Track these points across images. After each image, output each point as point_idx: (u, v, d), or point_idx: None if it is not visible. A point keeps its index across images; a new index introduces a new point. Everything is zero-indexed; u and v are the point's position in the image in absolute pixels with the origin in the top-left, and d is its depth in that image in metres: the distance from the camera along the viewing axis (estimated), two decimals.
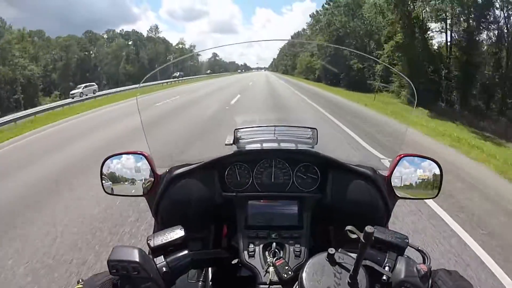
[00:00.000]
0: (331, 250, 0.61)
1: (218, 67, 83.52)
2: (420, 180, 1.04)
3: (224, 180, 1.04)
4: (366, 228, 0.53)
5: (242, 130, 1.10)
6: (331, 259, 0.61)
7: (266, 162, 1.05)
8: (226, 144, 1.11)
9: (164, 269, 0.71)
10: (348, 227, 0.57)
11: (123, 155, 1.05)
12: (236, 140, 1.09)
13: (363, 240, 0.54)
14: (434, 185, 1.03)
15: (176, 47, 59.18)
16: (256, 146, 1.08)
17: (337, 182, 1.01)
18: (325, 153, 1.04)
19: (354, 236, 0.56)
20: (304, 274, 0.60)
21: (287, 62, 61.49)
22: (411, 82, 1.35)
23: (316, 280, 0.59)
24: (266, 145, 1.08)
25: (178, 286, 0.91)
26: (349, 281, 0.58)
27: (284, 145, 1.09)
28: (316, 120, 8.54)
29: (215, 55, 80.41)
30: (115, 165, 1.06)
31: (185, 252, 0.74)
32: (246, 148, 1.07)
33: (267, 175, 1.05)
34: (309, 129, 1.11)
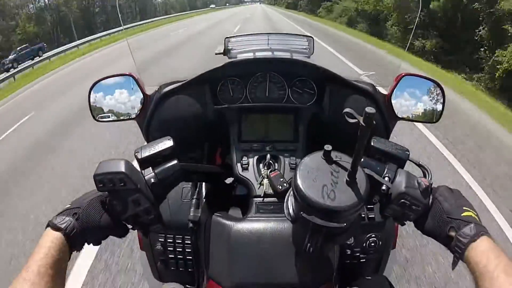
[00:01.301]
0: (328, 147, 0.58)
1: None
2: (421, 102, 1.00)
3: (216, 96, 1.00)
4: (366, 109, 0.48)
5: (233, 39, 1.04)
6: (327, 157, 0.58)
7: (260, 76, 1.00)
8: (216, 53, 1.05)
9: (152, 180, 0.68)
10: (347, 110, 0.52)
11: (111, 78, 1.00)
12: (227, 51, 1.03)
13: (362, 123, 0.49)
14: (436, 108, 0.99)
15: None
16: (249, 55, 1.02)
17: (335, 97, 0.97)
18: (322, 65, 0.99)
19: (353, 120, 0.51)
20: (297, 172, 0.57)
21: None
22: None
23: (311, 178, 0.56)
24: (259, 54, 1.03)
25: (170, 205, 0.91)
26: (348, 179, 0.56)
27: (278, 54, 1.04)
28: None
29: None
30: (103, 90, 1.01)
31: (174, 162, 0.71)
32: (238, 58, 1.02)
33: (261, 89, 1.00)
34: (305, 38, 1.05)
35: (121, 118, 1.01)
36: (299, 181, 0.56)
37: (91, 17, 38.92)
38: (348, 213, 0.55)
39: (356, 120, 0.51)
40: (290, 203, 0.63)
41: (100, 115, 1.02)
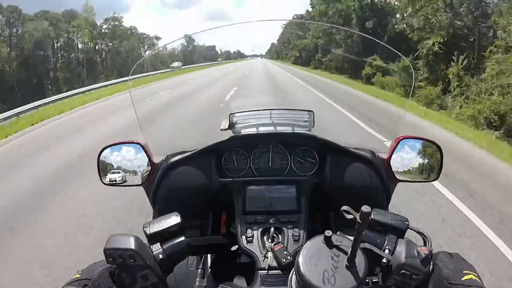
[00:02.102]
0: (328, 233, 0.59)
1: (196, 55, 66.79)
2: (420, 163, 1.03)
3: (221, 166, 1.03)
4: (362, 208, 0.51)
5: (237, 114, 1.08)
6: (328, 241, 0.60)
7: (263, 147, 1.04)
8: (221, 129, 1.09)
9: (160, 256, 0.70)
10: (344, 207, 0.55)
11: (120, 146, 1.04)
12: (231, 125, 1.07)
13: (359, 221, 0.52)
14: (434, 168, 1.02)
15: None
16: (252, 130, 1.07)
17: (335, 166, 1.00)
18: (322, 136, 1.03)
19: (350, 216, 0.54)
20: (300, 258, 0.59)
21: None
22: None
23: (313, 263, 0.57)
24: (262, 129, 1.07)
25: (177, 274, 0.91)
26: (347, 264, 0.57)
27: (280, 129, 1.08)
28: None
29: (191, 40, 63.89)
30: (111, 156, 1.06)
31: (182, 238, 0.74)
32: (242, 133, 1.06)
33: (264, 160, 1.04)
34: (306, 112, 1.09)
35: (128, 183, 1.04)
36: (301, 268, 0.57)
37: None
38: None
39: (353, 216, 0.53)
40: (293, 283, 0.64)
41: (107, 180, 1.06)
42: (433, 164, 1.02)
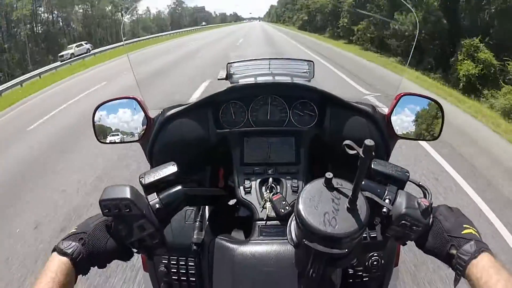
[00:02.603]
0: (329, 175, 0.58)
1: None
2: (421, 121, 1.01)
3: (218, 119, 1.01)
4: (365, 141, 0.49)
5: (235, 64, 1.05)
6: (328, 184, 0.59)
7: (262, 99, 1.02)
8: (218, 79, 1.07)
9: (157, 205, 0.69)
10: (346, 142, 0.53)
11: (115, 101, 1.02)
12: (229, 75, 1.05)
13: (362, 155, 0.51)
14: (435, 126, 1.01)
15: None
16: (250, 80, 1.04)
17: (335, 119, 0.99)
18: (323, 88, 1.01)
19: (352, 152, 0.52)
20: (300, 200, 0.58)
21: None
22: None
23: (313, 206, 0.56)
24: (261, 79, 1.04)
25: (174, 227, 0.91)
26: (348, 206, 0.56)
27: (279, 79, 1.05)
28: None
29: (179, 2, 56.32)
30: (107, 112, 1.03)
31: (179, 187, 0.72)
32: (240, 83, 1.03)
33: (262, 112, 1.02)
34: (305, 62, 1.07)
35: (124, 140, 1.02)
36: (301, 209, 0.56)
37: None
38: (349, 240, 0.55)
39: (356, 151, 0.52)
40: (292, 228, 0.64)
41: (103, 137, 1.04)
42: (433, 123, 1.01)
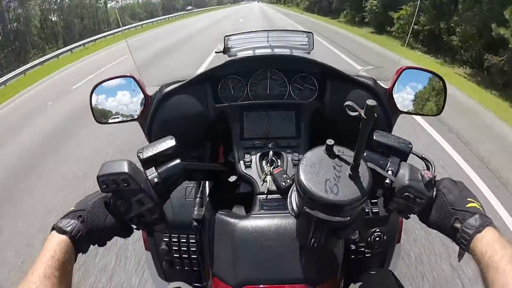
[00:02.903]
0: (330, 141, 0.57)
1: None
2: (423, 95, 1.00)
3: (217, 94, 1.00)
4: (367, 101, 0.48)
5: (233, 37, 1.03)
6: (329, 151, 0.58)
7: (261, 73, 1.00)
8: (216, 52, 1.05)
9: (155, 180, 0.68)
10: (348, 102, 0.51)
11: (113, 80, 1.00)
12: (226, 49, 1.03)
13: (364, 116, 0.49)
14: (438, 101, 0.99)
15: None
16: (248, 53, 1.02)
17: (336, 92, 0.97)
18: (323, 61, 0.99)
19: (354, 113, 0.51)
20: (300, 167, 0.57)
21: None
22: None
23: (314, 172, 0.55)
24: (259, 52, 1.03)
25: (174, 204, 0.91)
26: (350, 173, 0.55)
27: (278, 51, 1.03)
28: None
29: None
30: (105, 92, 1.02)
31: (177, 161, 0.71)
32: (238, 56, 1.02)
33: (262, 86, 1.00)
34: (305, 34, 1.05)
35: (123, 119, 1.01)
36: (301, 176, 0.56)
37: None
38: (351, 207, 0.54)
39: (357, 113, 0.50)
40: (293, 198, 0.63)
41: (102, 117, 1.03)
42: (436, 97, 0.99)
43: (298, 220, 0.65)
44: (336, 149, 0.58)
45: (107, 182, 0.63)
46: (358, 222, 0.61)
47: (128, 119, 1.00)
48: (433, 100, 1.00)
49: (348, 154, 0.58)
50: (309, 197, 0.54)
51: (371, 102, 0.48)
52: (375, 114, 0.49)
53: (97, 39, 19.29)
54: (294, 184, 0.60)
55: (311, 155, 0.59)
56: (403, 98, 0.98)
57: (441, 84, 0.98)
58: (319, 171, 0.56)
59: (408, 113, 0.99)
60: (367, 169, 0.57)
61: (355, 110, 0.50)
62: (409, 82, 0.98)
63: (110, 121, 1.03)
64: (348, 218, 0.56)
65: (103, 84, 1.01)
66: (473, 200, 0.61)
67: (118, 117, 1.02)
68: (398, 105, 0.96)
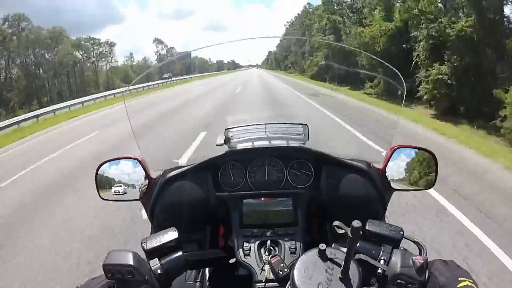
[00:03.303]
0: (322, 246, 0.61)
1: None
2: (415, 171, 1.04)
3: (217, 181, 1.04)
4: (353, 223, 0.53)
5: (232, 129, 1.10)
6: (322, 254, 0.61)
7: (259, 160, 1.05)
8: (217, 145, 1.11)
9: (159, 271, 0.71)
10: (335, 223, 0.56)
11: (117, 161, 1.05)
12: (227, 140, 1.09)
13: (350, 235, 0.54)
14: (429, 175, 1.03)
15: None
16: (247, 145, 1.08)
17: (331, 177, 1.01)
18: (317, 149, 1.04)
19: (341, 231, 0.56)
20: (295, 271, 0.60)
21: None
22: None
23: (307, 276, 0.58)
24: (257, 143, 1.08)
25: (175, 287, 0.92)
26: (341, 276, 0.58)
27: (275, 143, 1.09)
28: None
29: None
30: (110, 170, 1.07)
31: (179, 253, 0.75)
32: (237, 148, 1.07)
33: (260, 173, 1.05)
34: (300, 125, 1.11)
35: (126, 198, 1.05)
36: (296, 281, 0.58)
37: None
38: None
39: (344, 231, 0.55)
40: None
41: (106, 195, 1.06)
42: (428, 172, 1.03)
43: None
44: (328, 251, 0.61)
45: (113, 272, 0.66)
46: None
47: (131, 198, 1.04)
48: (425, 174, 1.04)
49: (339, 256, 0.61)
50: None
51: (356, 223, 0.53)
52: (361, 233, 0.53)
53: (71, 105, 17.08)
54: (289, 283, 0.62)
55: (305, 259, 0.62)
56: (396, 175, 1.02)
57: (432, 159, 1.02)
58: (312, 275, 0.59)
59: (401, 190, 1.03)
60: (357, 270, 0.60)
61: (343, 229, 0.55)
62: (402, 160, 1.03)
63: (113, 198, 1.06)
64: None
65: (107, 163, 1.06)
66: (464, 279, 0.63)
67: (122, 196, 1.06)
68: (391, 184, 1.01)
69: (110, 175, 1.07)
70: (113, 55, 41.06)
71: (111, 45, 40.61)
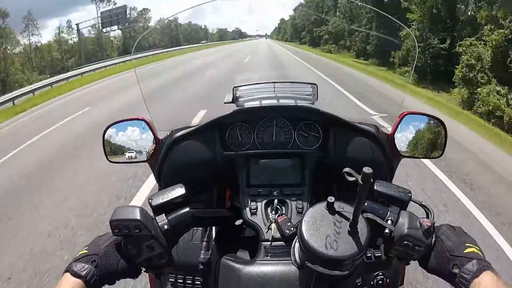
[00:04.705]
0: (331, 199, 0.60)
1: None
2: (424, 139, 1.03)
3: (225, 141, 1.04)
4: (364, 169, 0.52)
5: (241, 88, 1.09)
6: (330, 208, 0.61)
7: (267, 121, 1.04)
8: (225, 103, 1.10)
9: (165, 227, 0.71)
10: (346, 169, 0.55)
11: (125, 122, 1.05)
12: (235, 99, 1.08)
13: (361, 182, 0.53)
14: (438, 144, 1.02)
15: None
16: (255, 103, 1.07)
17: (339, 140, 1.01)
18: (326, 110, 1.03)
19: (351, 178, 0.55)
20: (303, 224, 0.60)
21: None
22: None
23: (315, 229, 0.59)
24: (265, 102, 1.07)
25: (181, 247, 0.93)
26: (349, 230, 0.58)
27: (283, 102, 1.08)
28: None
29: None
30: (117, 133, 1.07)
31: (186, 209, 0.75)
32: (245, 106, 1.06)
33: (268, 134, 1.04)
34: (309, 85, 1.10)
35: (134, 160, 1.05)
36: (304, 232, 0.58)
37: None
38: (349, 262, 0.57)
39: (355, 178, 0.54)
40: (296, 250, 0.65)
41: (113, 157, 1.07)
42: (437, 140, 1.02)
43: (301, 271, 0.67)
44: (337, 205, 0.61)
45: (120, 227, 0.66)
46: (358, 273, 0.64)
47: (139, 160, 1.04)
48: (434, 143, 1.03)
49: (347, 210, 0.61)
50: (311, 252, 0.57)
51: (367, 169, 0.52)
52: (371, 180, 0.53)
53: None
54: (297, 236, 0.62)
55: (313, 211, 0.62)
56: (405, 142, 1.01)
57: (441, 127, 1.01)
58: (320, 227, 0.59)
59: (409, 157, 1.02)
60: (365, 224, 0.60)
61: (353, 176, 0.55)
62: (411, 127, 1.01)
63: (121, 160, 1.07)
64: (347, 272, 0.59)
65: (114, 125, 1.06)
66: (471, 245, 0.63)
67: (129, 157, 1.06)
68: (400, 150, 0.99)
69: (117, 137, 1.06)
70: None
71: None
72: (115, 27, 35.71)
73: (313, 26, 35.48)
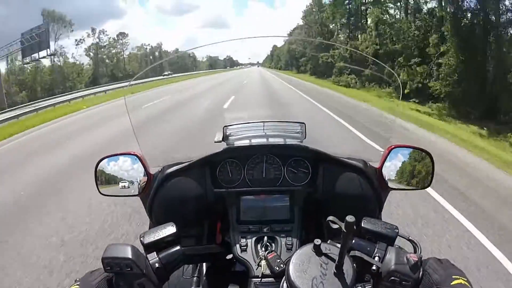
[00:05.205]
0: (317, 241, 0.62)
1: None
2: (412, 171, 1.05)
3: (215, 177, 1.05)
4: (346, 217, 0.54)
5: (231, 127, 1.11)
6: (317, 249, 0.62)
7: (257, 158, 1.06)
8: (215, 142, 1.12)
9: (156, 265, 0.72)
10: (329, 218, 0.58)
11: (117, 156, 1.06)
12: (225, 137, 1.10)
13: (344, 230, 0.55)
14: (426, 175, 1.04)
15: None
16: (245, 142, 1.09)
17: (328, 175, 1.02)
18: (314, 147, 1.05)
19: (335, 226, 0.57)
20: (290, 266, 0.61)
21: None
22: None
23: (302, 271, 0.60)
24: (255, 141, 1.09)
25: (172, 282, 0.93)
26: (335, 271, 0.59)
27: (272, 140, 1.10)
28: None
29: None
30: (109, 166, 1.08)
31: (177, 248, 0.76)
32: (235, 145, 1.08)
33: (258, 170, 1.06)
34: (298, 124, 1.12)
35: (125, 194, 1.06)
36: (291, 274, 0.60)
37: None
38: None
39: (338, 226, 0.56)
40: None
41: (104, 190, 1.07)
42: (424, 172, 1.04)
43: None
44: (323, 246, 0.63)
45: (111, 265, 0.67)
46: None
47: (130, 194, 1.05)
48: (421, 174, 1.05)
49: (334, 251, 0.62)
50: None
51: (350, 218, 0.54)
52: (354, 227, 0.54)
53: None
54: (285, 276, 0.63)
55: (300, 253, 0.63)
56: (393, 174, 1.03)
57: (429, 159, 1.03)
58: (307, 269, 0.60)
59: (398, 189, 1.03)
60: (351, 265, 0.61)
61: (337, 224, 0.57)
62: (398, 159, 1.03)
63: (112, 193, 1.07)
64: None
65: (107, 158, 1.06)
66: (458, 277, 0.64)
67: (120, 191, 1.06)
68: (388, 183, 1.01)
69: (109, 171, 1.07)
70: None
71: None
72: (36, 55, 27.01)
73: (318, 50, 27.37)
